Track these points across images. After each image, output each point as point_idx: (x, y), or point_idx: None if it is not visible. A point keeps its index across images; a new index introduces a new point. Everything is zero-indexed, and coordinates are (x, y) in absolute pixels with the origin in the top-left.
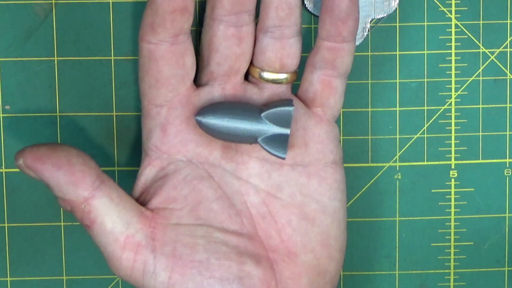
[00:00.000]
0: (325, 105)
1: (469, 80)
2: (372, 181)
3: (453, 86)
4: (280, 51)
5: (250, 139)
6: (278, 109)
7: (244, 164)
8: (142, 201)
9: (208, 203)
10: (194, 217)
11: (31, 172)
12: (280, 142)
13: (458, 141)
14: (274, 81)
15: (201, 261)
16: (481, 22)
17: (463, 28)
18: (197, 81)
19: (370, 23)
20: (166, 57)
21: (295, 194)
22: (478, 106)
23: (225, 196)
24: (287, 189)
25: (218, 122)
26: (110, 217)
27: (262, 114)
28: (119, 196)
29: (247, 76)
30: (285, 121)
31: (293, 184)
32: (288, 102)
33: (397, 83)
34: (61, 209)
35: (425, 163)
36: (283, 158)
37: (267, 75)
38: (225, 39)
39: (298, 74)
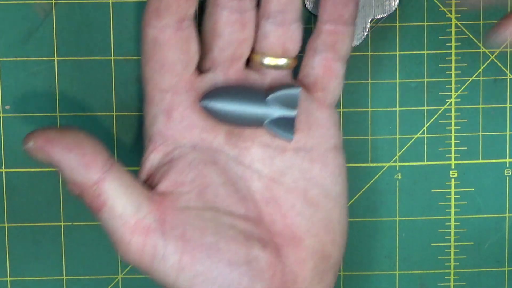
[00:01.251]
0: (326, 89)
1: (469, 80)
2: (372, 181)
3: (453, 86)
4: (282, 36)
5: (256, 122)
6: (284, 91)
7: (247, 150)
8: (148, 186)
9: (215, 187)
10: (202, 201)
11: (41, 154)
12: (286, 125)
13: (458, 141)
14: (276, 67)
15: (210, 244)
16: (481, 22)
17: (463, 28)
18: (199, 68)
19: (370, 23)
20: (171, 43)
21: (299, 179)
22: (478, 106)
23: (230, 181)
24: (290, 174)
25: (224, 106)
26: (120, 201)
27: (268, 97)
28: (128, 180)
29: (247, 63)
30: (291, 103)
31: (296, 169)
32: (293, 85)
33: (397, 83)
34: (61, 209)
35: (425, 163)
36: (290, 140)
37: (268, 60)
38: (229, 24)
39: (298, 61)
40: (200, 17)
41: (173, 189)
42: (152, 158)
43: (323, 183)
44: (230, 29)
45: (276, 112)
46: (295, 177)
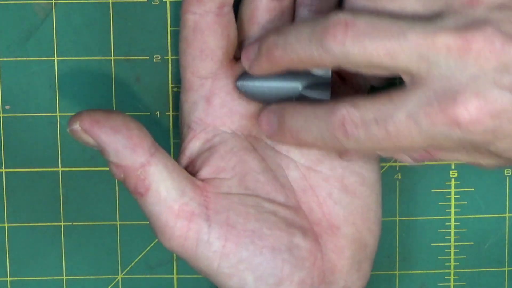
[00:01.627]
0: (360, 76)
1: None
2: None
3: None
4: None
5: (292, 92)
6: (315, 77)
7: None
8: (189, 173)
9: (255, 174)
10: (243, 187)
11: (87, 136)
12: (322, 86)
13: None
14: None
15: (253, 230)
16: None
17: None
18: (234, 55)
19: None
20: (212, 28)
21: (335, 167)
22: None
23: (269, 168)
24: (327, 162)
25: (259, 83)
26: (165, 185)
27: (299, 87)
28: (172, 165)
29: None
30: (323, 87)
31: (333, 157)
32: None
33: (397, 83)
34: (61, 209)
35: (425, 163)
36: (328, 99)
37: None
38: (268, 12)
39: None
40: (236, 4)
41: (215, 175)
42: (192, 146)
43: (359, 171)
44: (269, 17)
45: (311, 78)
46: (332, 165)
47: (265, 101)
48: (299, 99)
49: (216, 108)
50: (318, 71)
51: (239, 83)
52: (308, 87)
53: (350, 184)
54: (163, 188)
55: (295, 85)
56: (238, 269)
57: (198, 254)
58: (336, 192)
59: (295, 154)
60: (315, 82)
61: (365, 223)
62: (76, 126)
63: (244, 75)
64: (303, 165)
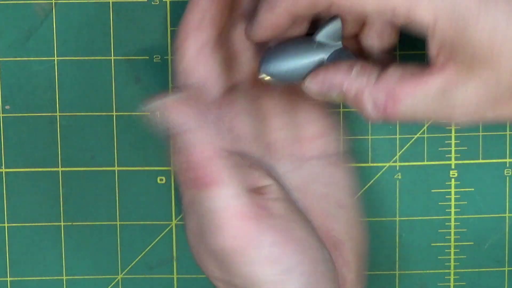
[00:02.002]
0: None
1: None
2: (372, 181)
3: None
4: None
5: (310, 44)
6: (328, 27)
7: (278, 161)
8: None
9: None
10: (287, 193)
11: (171, 115)
12: (334, 32)
13: (458, 141)
14: None
15: (300, 239)
16: None
17: None
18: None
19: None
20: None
21: (328, 184)
22: None
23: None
24: (320, 180)
25: (283, 65)
26: (231, 181)
27: (317, 36)
28: (236, 165)
29: None
30: (336, 35)
31: (324, 175)
32: (331, 17)
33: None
34: (61, 209)
35: (425, 163)
36: (341, 45)
37: None
38: None
39: None
40: None
41: (263, 183)
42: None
43: (347, 184)
44: None
45: (326, 53)
46: (325, 182)
47: (294, 75)
48: (318, 46)
49: (224, 133)
50: (330, 48)
51: (263, 71)
52: (320, 29)
53: (342, 199)
54: (227, 184)
55: (315, 63)
56: (283, 277)
57: (247, 258)
58: (332, 209)
59: (289, 175)
60: (326, 25)
61: (360, 235)
62: (163, 105)
63: (264, 60)
64: (297, 187)
